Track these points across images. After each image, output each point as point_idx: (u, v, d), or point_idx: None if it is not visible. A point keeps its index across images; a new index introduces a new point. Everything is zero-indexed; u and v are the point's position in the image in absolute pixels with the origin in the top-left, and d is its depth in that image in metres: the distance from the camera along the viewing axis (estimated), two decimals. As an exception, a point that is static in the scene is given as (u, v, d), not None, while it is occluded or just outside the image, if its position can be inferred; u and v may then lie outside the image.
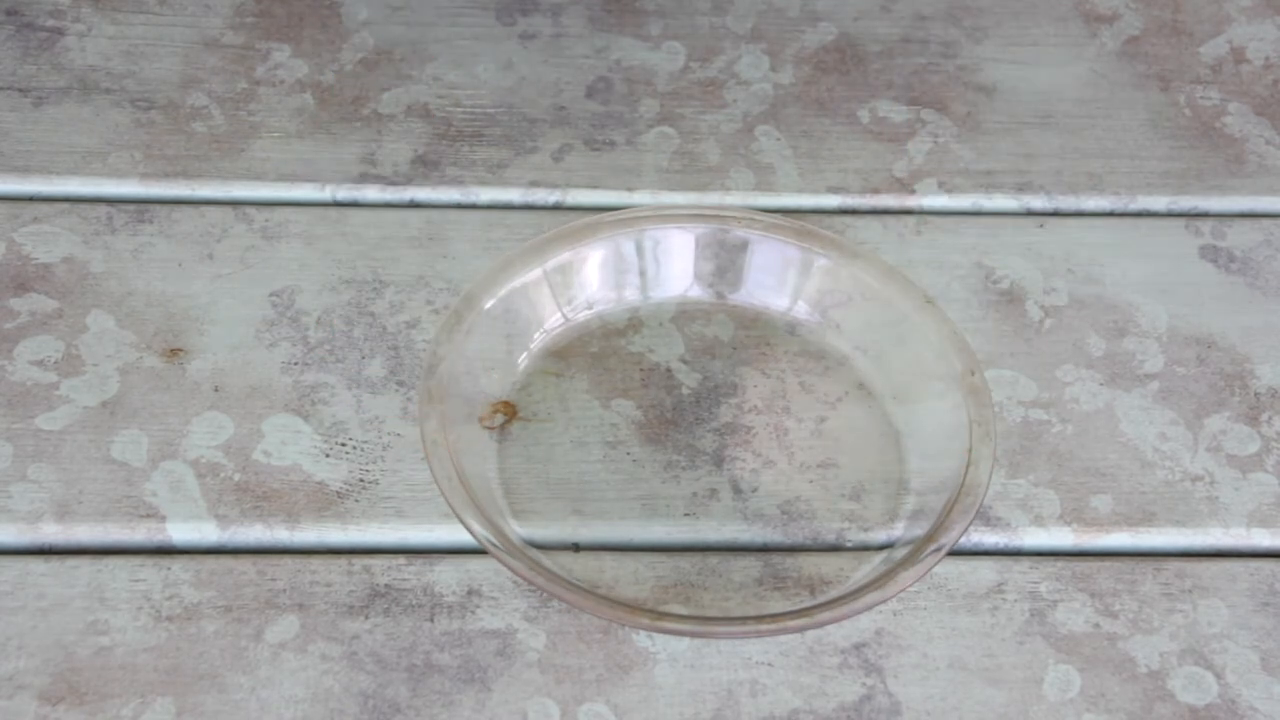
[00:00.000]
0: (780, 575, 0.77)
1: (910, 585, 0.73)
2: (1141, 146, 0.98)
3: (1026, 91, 1.01)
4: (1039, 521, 0.80)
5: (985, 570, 0.78)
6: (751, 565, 0.77)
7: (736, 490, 0.80)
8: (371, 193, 0.93)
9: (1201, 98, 1.02)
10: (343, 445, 0.81)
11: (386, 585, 0.76)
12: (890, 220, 0.93)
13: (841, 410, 0.83)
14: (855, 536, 0.78)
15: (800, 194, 0.94)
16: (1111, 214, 0.95)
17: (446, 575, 0.76)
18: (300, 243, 0.90)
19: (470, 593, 0.76)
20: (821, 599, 0.74)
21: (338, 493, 0.79)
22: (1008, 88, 1.01)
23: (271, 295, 0.87)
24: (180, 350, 0.84)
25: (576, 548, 0.78)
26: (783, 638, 0.75)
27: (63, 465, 0.79)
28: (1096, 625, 0.76)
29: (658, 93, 1.00)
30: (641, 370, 0.85)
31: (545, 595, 0.75)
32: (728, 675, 0.74)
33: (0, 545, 0.77)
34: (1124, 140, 0.99)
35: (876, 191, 0.95)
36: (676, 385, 0.85)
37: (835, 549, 0.78)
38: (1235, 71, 1.04)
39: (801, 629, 0.73)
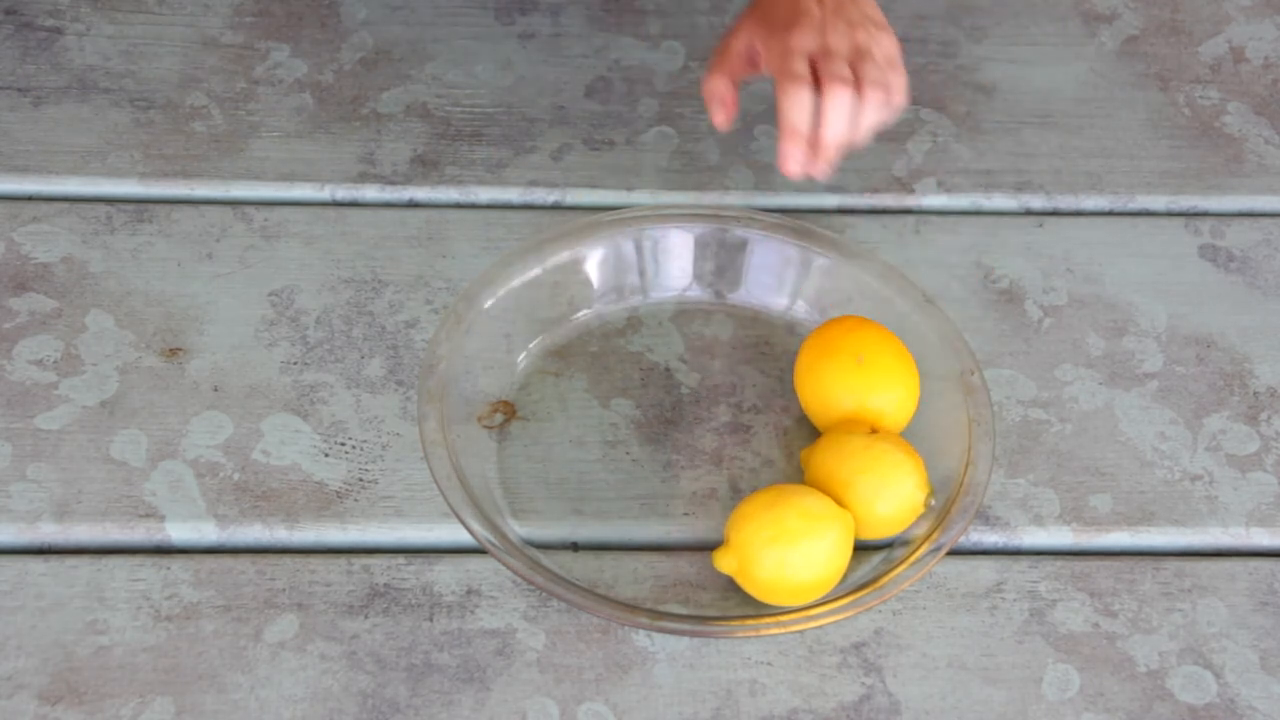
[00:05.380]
0: (779, 575, 0.77)
1: (909, 585, 0.73)
2: (1140, 146, 0.98)
3: (1026, 91, 1.01)
4: (1038, 521, 0.80)
5: (984, 570, 0.78)
6: (751, 565, 0.77)
7: (736, 490, 0.80)
8: (371, 192, 0.93)
9: (1200, 97, 1.02)
10: (342, 445, 0.81)
11: (386, 585, 0.76)
12: (889, 220, 0.93)
13: (841, 410, 0.83)
14: (854, 536, 0.78)
15: (799, 194, 0.94)
16: (1110, 213, 0.95)
17: (446, 575, 0.76)
18: (299, 242, 0.90)
19: (469, 592, 0.76)
20: (821, 598, 0.74)
21: (337, 492, 0.79)
22: (1007, 87, 1.01)
23: (271, 295, 0.87)
24: (179, 350, 0.84)
25: (576, 547, 0.78)
26: (782, 637, 0.75)
27: (62, 465, 0.79)
28: (1096, 625, 0.76)
29: (657, 92, 0.99)
30: (641, 370, 0.85)
31: (544, 595, 0.75)
32: (727, 675, 0.74)
33: (-1, 545, 0.77)
34: (1123, 140, 0.99)
35: (876, 191, 0.95)
36: (676, 385, 0.85)
37: (834, 548, 0.78)
38: (1234, 71, 1.04)
39: (801, 628, 0.73)
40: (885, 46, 0.83)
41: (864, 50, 0.82)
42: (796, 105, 0.80)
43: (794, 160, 0.80)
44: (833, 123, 0.80)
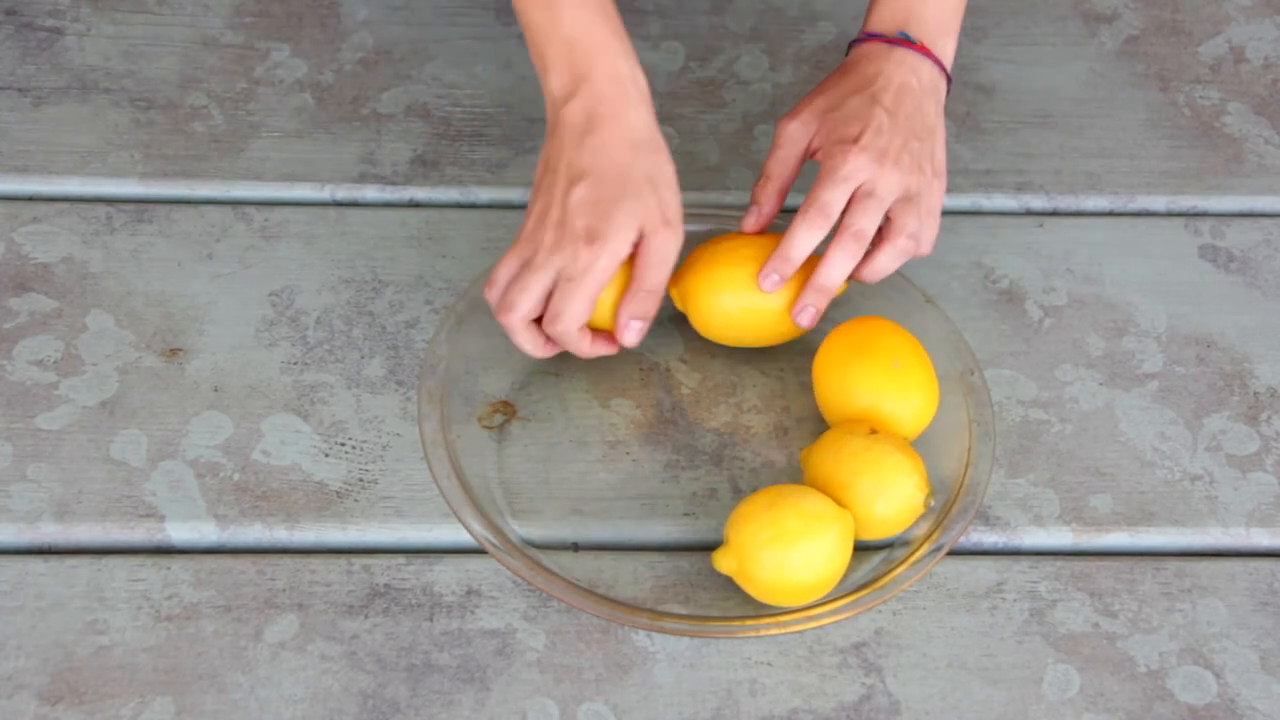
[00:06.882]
0: (779, 575, 0.77)
1: (909, 585, 0.73)
2: (1141, 146, 0.98)
3: (1025, 91, 1.01)
4: (1038, 521, 0.80)
5: (984, 570, 0.78)
6: (751, 565, 0.77)
7: (736, 490, 0.80)
8: (371, 192, 0.93)
9: (1201, 97, 1.02)
10: (342, 445, 0.81)
11: (386, 585, 0.76)
12: (889, 220, 0.93)
13: (841, 410, 0.83)
14: (854, 536, 0.78)
15: (800, 194, 0.94)
16: (1111, 214, 0.95)
17: (446, 575, 0.76)
18: (300, 242, 0.90)
19: (470, 592, 0.76)
20: (821, 598, 0.74)
21: (337, 492, 0.79)
22: (1007, 87, 1.01)
23: (271, 295, 0.87)
24: (179, 350, 0.84)
25: (576, 547, 0.78)
26: (782, 637, 0.75)
27: (62, 465, 0.79)
28: (1096, 625, 0.76)
29: (657, 92, 0.99)
30: (641, 370, 0.85)
31: (544, 595, 0.75)
32: (727, 675, 0.74)
33: None
34: (1123, 140, 0.99)
35: (876, 191, 0.95)
36: (676, 385, 0.85)
37: (834, 548, 0.78)
38: (1234, 71, 1.04)
39: (801, 629, 0.73)
40: (933, 195, 0.81)
41: (912, 196, 0.80)
42: (803, 239, 0.79)
43: (769, 280, 0.80)
44: (828, 273, 0.79)
